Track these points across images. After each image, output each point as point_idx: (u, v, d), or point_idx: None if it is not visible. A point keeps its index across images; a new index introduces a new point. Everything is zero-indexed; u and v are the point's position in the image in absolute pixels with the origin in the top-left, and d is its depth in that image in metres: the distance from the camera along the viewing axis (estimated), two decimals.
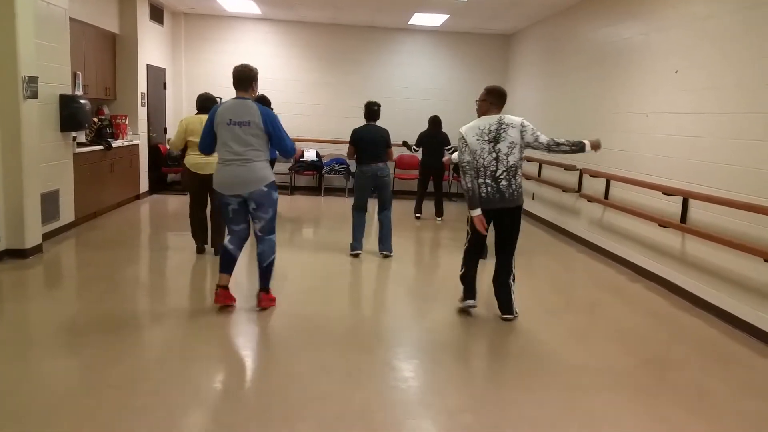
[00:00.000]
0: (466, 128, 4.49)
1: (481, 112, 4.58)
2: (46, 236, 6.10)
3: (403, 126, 9.71)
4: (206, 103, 5.88)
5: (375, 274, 5.89)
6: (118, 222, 7.68)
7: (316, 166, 10.84)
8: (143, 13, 9.20)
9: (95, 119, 7.99)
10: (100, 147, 7.67)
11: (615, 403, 3.38)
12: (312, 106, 11.27)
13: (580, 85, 7.95)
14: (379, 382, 3.50)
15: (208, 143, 4.38)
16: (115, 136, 8.50)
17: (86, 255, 6.17)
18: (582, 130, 7.75)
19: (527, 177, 9.17)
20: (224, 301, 4.43)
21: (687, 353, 4.31)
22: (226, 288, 4.44)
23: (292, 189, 11.04)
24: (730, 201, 4.79)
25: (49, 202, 6.23)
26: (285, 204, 9.81)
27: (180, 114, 10.98)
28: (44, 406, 2.99)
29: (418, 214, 8.90)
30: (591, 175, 7.29)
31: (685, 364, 4.10)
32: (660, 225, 5.75)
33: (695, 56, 5.50)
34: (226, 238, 4.46)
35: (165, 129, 10.49)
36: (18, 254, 5.56)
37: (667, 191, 5.60)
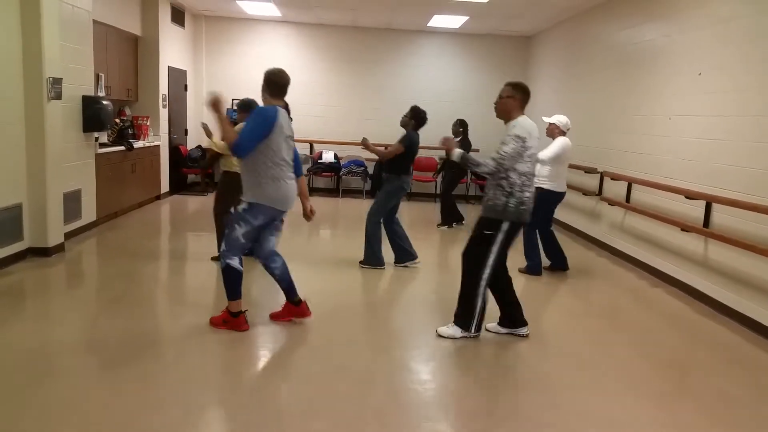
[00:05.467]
0: (531, 128, 3.95)
1: (505, 110, 4.06)
2: (69, 235, 6.19)
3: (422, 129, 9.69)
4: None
5: (394, 278, 5.87)
6: (139, 222, 7.76)
7: (334, 167, 10.87)
8: (165, 15, 9.31)
9: (117, 120, 8.08)
10: (122, 148, 7.76)
11: (635, 408, 3.33)
12: (330, 108, 11.30)
13: (602, 87, 7.88)
14: (396, 383, 3.48)
15: (254, 145, 3.81)
16: (137, 137, 8.60)
17: (107, 254, 6.24)
18: (603, 133, 7.67)
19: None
20: (245, 327, 4.13)
21: (709, 359, 4.24)
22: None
23: (310, 191, 11.06)
24: (754, 205, 4.69)
25: (72, 202, 6.32)
26: None
27: (200, 116, 11.06)
28: (64, 400, 3.04)
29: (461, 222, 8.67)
30: (612, 178, 7.21)
31: (707, 370, 4.02)
32: (682, 229, 5.66)
33: (718, 58, 5.41)
34: (234, 260, 3.98)
35: (186, 130, 10.59)
36: (41, 252, 5.64)
37: (690, 195, 5.51)
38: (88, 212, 6.82)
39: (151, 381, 3.30)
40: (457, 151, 4.05)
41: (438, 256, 7.17)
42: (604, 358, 4.05)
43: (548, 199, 5.88)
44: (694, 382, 3.83)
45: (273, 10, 9.96)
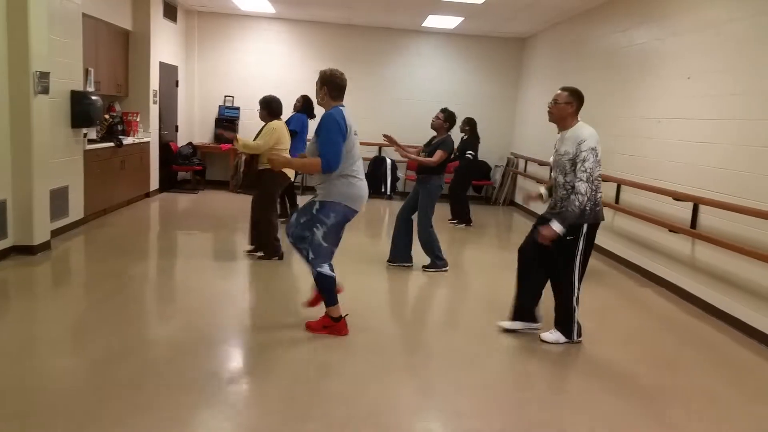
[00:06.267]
0: (595, 134, 3.96)
1: (561, 117, 4.08)
2: (55, 233, 6.10)
3: (414, 127, 9.70)
4: (280, 108, 5.82)
5: (391, 279, 5.85)
6: (128, 220, 7.70)
7: None
8: (157, 10, 9.24)
9: (106, 116, 8.03)
10: (111, 144, 7.70)
11: (623, 407, 3.33)
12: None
13: (593, 89, 7.85)
14: (389, 384, 3.47)
15: (341, 153, 3.80)
16: (126, 133, 8.52)
17: (95, 252, 6.18)
18: None
19: (538, 180, 9.10)
20: (345, 331, 4.12)
21: (696, 359, 4.26)
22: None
23: (303, 189, 11.03)
24: (741, 207, 4.72)
25: (59, 199, 6.24)
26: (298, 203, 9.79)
27: (192, 112, 11.05)
28: (50, 403, 2.98)
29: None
30: (602, 180, 7.20)
31: (694, 370, 4.04)
32: (670, 230, 5.68)
33: (708, 62, 5.43)
34: (324, 268, 3.95)
35: (176, 127, 10.53)
36: (26, 250, 5.56)
37: (678, 196, 5.53)
38: (76, 209, 6.74)
39: (139, 382, 3.25)
40: (558, 227, 3.90)
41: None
42: (593, 358, 4.05)
43: None
44: (681, 381, 3.83)
45: (267, 7, 9.91)
